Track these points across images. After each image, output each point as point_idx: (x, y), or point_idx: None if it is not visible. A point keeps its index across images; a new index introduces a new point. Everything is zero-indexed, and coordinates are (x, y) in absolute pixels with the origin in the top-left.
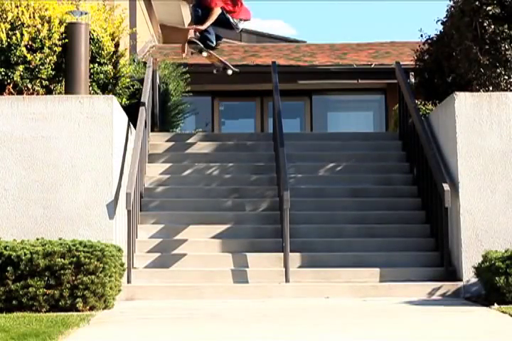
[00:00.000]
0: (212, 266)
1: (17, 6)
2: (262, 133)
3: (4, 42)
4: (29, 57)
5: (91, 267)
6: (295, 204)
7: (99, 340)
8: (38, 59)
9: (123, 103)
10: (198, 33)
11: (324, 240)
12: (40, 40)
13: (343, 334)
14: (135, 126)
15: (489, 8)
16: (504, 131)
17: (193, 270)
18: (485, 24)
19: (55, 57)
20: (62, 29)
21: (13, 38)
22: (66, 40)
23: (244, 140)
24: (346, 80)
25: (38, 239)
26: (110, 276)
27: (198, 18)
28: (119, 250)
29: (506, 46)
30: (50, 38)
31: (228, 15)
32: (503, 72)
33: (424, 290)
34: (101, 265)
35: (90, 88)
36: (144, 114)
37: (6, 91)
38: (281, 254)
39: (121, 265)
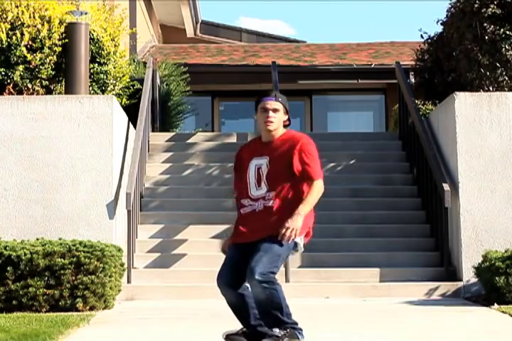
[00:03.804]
0: (212, 266)
1: (17, 6)
2: None
3: (4, 42)
4: (29, 57)
5: (91, 267)
6: None
7: (99, 340)
8: (38, 59)
9: (123, 103)
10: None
11: (324, 240)
12: (40, 40)
13: (342, 334)
14: (135, 126)
15: (489, 8)
16: (504, 131)
17: (193, 270)
18: (485, 24)
19: (55, 57)
20: (62, 29)
21: (13, 37)
22: (66, 40)
23: (245, 140)
24: (346, 80)
25: (38, 239)
26: (110, 276)
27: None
28: (119, 250)
29: (506, 46)
30: (50, 38)
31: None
32: (503, 72)
33: (424, 290)
34: (101, 265)
35: (90, 88)
36: (144, 114)
37: (6, 91)
38: None
39: (121, 265)
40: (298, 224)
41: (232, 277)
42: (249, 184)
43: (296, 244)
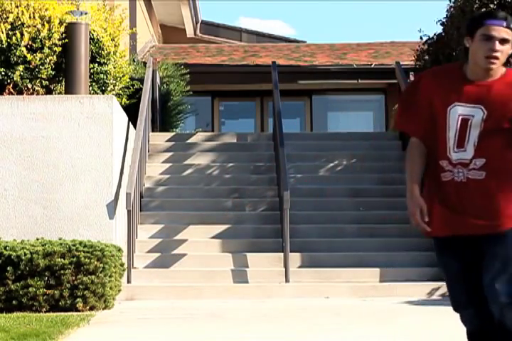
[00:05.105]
0: (212, 266)
1: (17, 6)
2: (262, 133)
3: (4, 42)
4: (29, 57)
5: (91, 267)
6: (295, 204)
7: (99, 340)
8: (38, 59)
9: (123, 103)
10: None
11: (324, 240)
12: (40, 40)
13: (342, 334)
14: (135, 126)
15: (489, 8)
16: None
17: (193, 270)
18: None
19: (55, 57)
20: (62, 29)
21: (13, 38)
22: (66, 40)
23: (244, 140)
24: (346, 80)
25: (38, 239)
26: (110, 276)
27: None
28: (119, 250)
29: None
30: (50, 38)
31: None
32: None
33: (424, 290)
34: (101, 265)
35: (90, 88)
36: (144, 114)
37: (6, 91)
38: (281, 254)
39: (121, 265)
40: None
41: (468, 294)
42: (449, 140)
43: None
